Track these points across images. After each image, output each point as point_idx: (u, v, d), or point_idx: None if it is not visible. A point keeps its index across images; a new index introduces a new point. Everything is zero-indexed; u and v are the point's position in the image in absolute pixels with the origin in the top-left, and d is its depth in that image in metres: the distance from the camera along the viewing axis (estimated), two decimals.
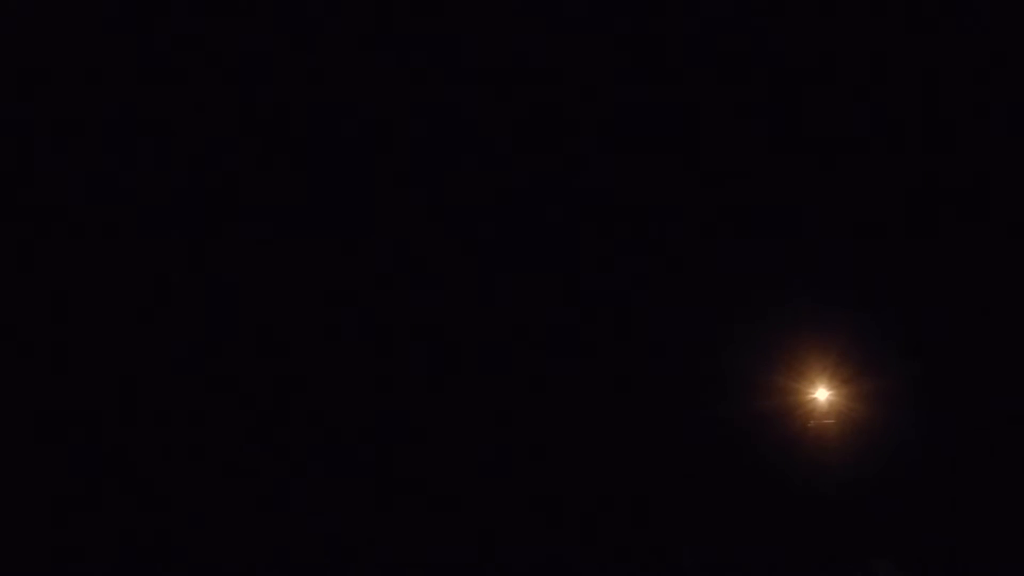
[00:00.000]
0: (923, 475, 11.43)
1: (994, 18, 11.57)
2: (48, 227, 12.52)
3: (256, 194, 12.78)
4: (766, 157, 11.91)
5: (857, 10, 11.83)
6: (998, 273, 11.70)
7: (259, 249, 12.81)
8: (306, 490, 12.74)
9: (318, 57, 12.33)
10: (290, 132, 12.63)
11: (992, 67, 11.70)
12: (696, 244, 12.01)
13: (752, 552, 11.57)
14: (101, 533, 12.17)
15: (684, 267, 12.04)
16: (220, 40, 12.22)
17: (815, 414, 11.81)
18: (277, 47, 12.31)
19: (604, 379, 12.09)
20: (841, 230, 11.95)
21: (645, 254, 12.07)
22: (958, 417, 11.48)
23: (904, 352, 11.64)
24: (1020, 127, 11.74)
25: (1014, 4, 11.52)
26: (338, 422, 12.81)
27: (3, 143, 12.24)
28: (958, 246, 11.79)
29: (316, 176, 12.72)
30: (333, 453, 12.82)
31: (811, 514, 11.61)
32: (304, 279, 12.80)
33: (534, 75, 12.00)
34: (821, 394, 11.82)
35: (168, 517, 12.30)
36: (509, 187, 12.07)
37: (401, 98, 12.30)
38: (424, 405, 12.55)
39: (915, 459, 11.45)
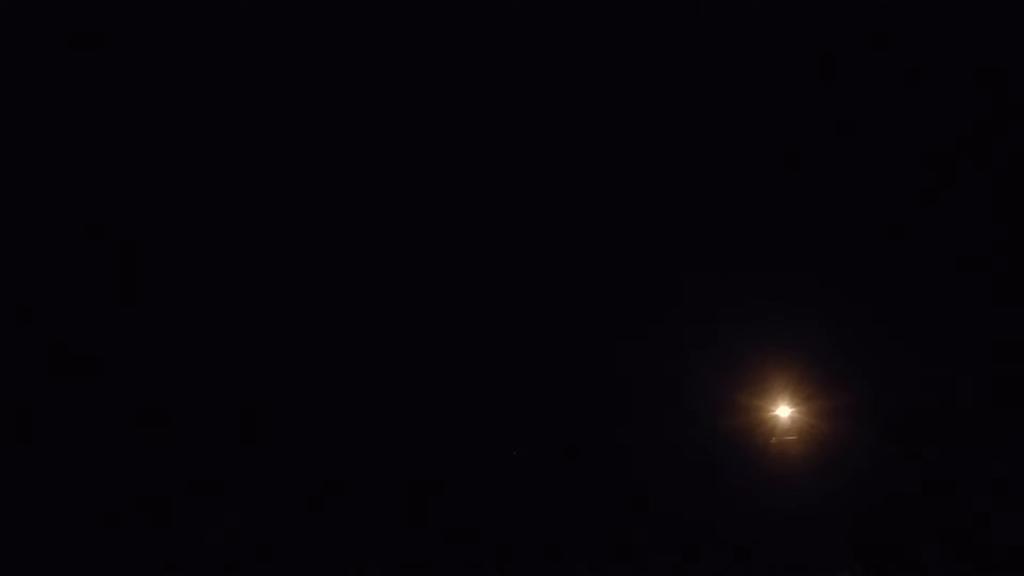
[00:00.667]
0: (885, 490, 11.47)
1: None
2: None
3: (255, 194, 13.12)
4: (724, 175, 12.00)
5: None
6: (960, 289, 11.62)
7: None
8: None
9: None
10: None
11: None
12: (656, 261, 12.15)
13: (716, 569, 11.77)
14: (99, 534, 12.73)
15: (644, 285, 12.19)
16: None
17: (777, 431, 11.90)
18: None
19: (564, 399, 12.35)
20: (801, 247, 11.98)
21: (605, 272, 12.24)
22: (919, 433, 11.46)
23: (865, 369, 11.65)
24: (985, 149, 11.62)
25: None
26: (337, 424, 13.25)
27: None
28: (919, 263, 11.74)
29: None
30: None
31: (775, 530, 11.73)
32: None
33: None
34: (783, 411, 11.90)
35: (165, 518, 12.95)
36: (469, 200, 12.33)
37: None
38: (398, 410, 12.93)
39: (877, 475, 11.49)
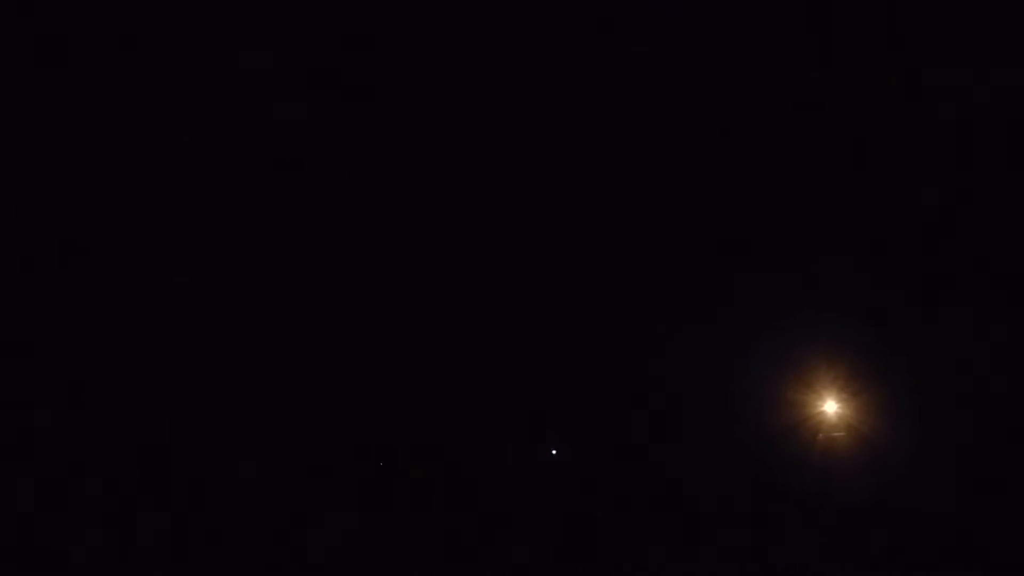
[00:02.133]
0: (930, 486, 11.51)
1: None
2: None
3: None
4: (770, 174, 11.88)
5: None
6: (1004, 285, 11.71)
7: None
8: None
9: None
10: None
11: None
12: (704, 260, 11.99)
13: (764, 562, 11.68)
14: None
15: (693, 284, 12.03)
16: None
17: (824, 426, 11.85)
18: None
19: (617, 395, 12.13)
20: (847, 245, 11.94)
21: (654, 270, 12.05)
22: (964, 429, 11.54)
23: (912, 365, 11.66)
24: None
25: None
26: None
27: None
28: (964, 259, 11.79)
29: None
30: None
31: (822, 524, 11.70)
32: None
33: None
34: (830, 407, 11.85)
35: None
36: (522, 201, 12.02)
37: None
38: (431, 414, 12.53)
39: (922, 470, 11.53)
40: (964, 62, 11.64)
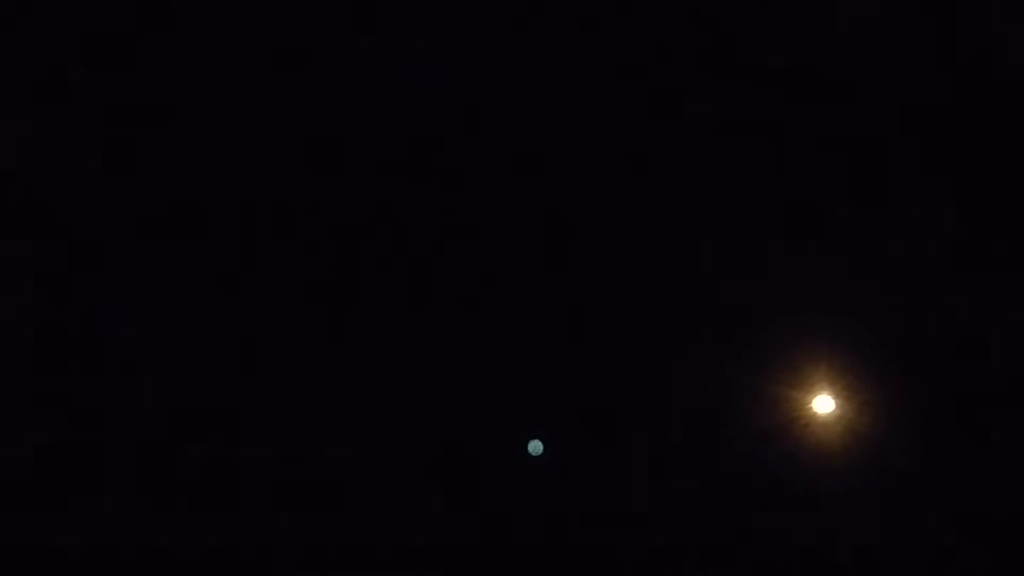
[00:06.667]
0: (926, 484, 11.15)
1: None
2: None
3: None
4: (757, 163, 11.74)
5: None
6: (1002, 274, 11.39)
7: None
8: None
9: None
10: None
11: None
12: (686, 253, 11.85)
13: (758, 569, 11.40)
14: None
15: (674, 278, 11.90)
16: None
17: (816, 424, 11.56)
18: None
19: (598, 401, 12.00)
20: (840, 233, 11.73)
21: (636, 271, 11.94)
22: (961, 424, 11.18)
23: (907, 358, 11.37)
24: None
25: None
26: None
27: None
28: (961, 248, 11.51)
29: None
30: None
31: (815, 525, 11.40)
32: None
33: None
34: (821, 403, 11.57)
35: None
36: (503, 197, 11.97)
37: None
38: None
39: (918, 469, 11.18)
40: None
